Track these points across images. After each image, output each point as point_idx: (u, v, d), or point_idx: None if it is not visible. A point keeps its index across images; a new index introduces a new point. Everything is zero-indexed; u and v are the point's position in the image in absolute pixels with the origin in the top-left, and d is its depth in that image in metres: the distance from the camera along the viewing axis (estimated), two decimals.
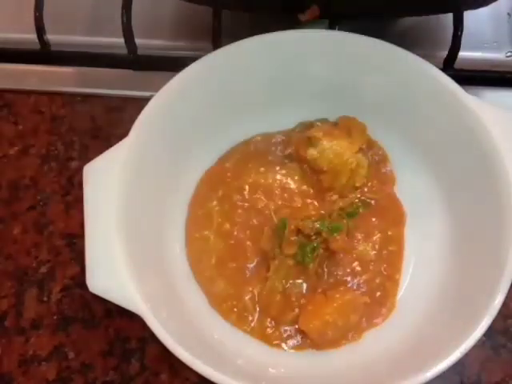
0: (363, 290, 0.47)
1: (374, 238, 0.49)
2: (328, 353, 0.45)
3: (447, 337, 0.41)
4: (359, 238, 0.48)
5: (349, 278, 0.47)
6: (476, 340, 0.39)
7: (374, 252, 0.48)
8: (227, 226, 0.49)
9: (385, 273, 0.48)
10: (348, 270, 0.47)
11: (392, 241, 0.49)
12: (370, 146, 0.51)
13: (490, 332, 0.40)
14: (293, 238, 0.46)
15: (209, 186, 0.50)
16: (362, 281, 0.47)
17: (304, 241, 0.46)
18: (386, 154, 0.51)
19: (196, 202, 0.50)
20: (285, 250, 0.46)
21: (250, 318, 0.46)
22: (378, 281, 0.47)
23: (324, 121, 0.50)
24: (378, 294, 0.47)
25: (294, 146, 0.50)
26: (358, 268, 0.48)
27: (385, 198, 0.50)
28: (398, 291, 0.47)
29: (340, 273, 0.47)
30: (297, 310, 0.46)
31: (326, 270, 0.47)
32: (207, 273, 0.48)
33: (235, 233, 0.49)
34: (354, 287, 0.47)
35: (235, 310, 0.46)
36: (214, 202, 0.50)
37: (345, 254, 0.47)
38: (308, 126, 0.50)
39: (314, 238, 0.46)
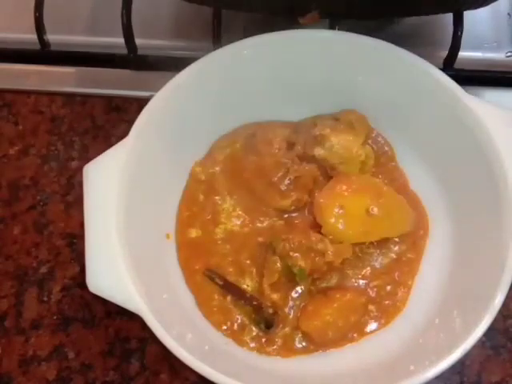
0: (372, 295, 0.46)
1: (391, 245, 0.48)
2: (329, 353, 0.45)
3: (447, 337, 0.41)
4: (375, 245, 0.47)
5: (358, 283, 0.47)
6: (476, 340, 0.39)
7: (389, 260, 0.47)
8: (216, 229, 0.48)
9: (397, 279, 0.47)
10: (359, 276, 0.47)
11: (412, 248, 0.48)
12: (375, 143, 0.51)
13: (490, 332, 0.40)
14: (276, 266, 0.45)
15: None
16: (371, 285, 0.47)
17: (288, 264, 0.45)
18: (393, 148, 0.51)
19: (184, 203, 0.49)
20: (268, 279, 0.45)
21: (247, 337, 0.45)
22: (389, 288, 0.47)
23: (323, 116, 0.50)
24: (387, 301, 0.46)
25: (300, 147, 0.49)
26: (369, 274, 0.47)
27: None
28: (410, 297, 0.46)
29: (348, 279, 0.47)
30: (294, 318, 0.46)
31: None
32: (198, 280, 0.47)
33: (225, 236, 0.48)
34: (363, 289, 0.47)
35: (229, 324, 0.45)
36: (202, 205, 0.49)
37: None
38: (311, 125, 0.50)
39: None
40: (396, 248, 0.47)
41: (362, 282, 0.47)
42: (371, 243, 0.47)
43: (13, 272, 0.50)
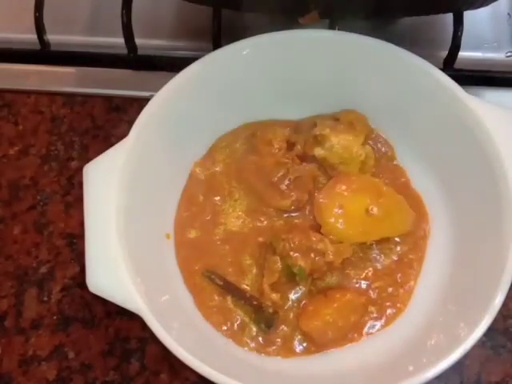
0: (373, 296, 0.46)
1: (392, 246, 0.48)
2: (329, 353, 0.45)
3: (447, 337, 0.41)
4: (377, 245, 0.47)
5: (360, 284, 0.47)
6: (476, 340, 0.39)
7: (391, 261, 0.47)
8: (216, 229, 0.48)
9: (399, 280, 0.47)
10: (361, 277, 0.47)
11: (414, 249, 0.47)
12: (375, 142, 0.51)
13: (490, 332, 0.40)
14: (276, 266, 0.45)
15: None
16: (373, 286, 0.47)
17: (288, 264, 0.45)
18: (393, 148, 0.51)
19: (184, 203, 0.49)
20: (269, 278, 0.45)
21: (247, 338, 0.45)
22: (390, 290, 0.46)
23: (323, 116, 0.50)
24: (388, 303, 0.46)
25: (300, 147, 0.49)
26: (371, 275, 0.47)
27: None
28: (411, 298, 0.46)
29: (350, 280, 0.47)
30: (294, 318, 0.46)
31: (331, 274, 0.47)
32: (197, 281, 0.47)
33: (224, 237, 0.48)
34: (364, 290, 0.46)
35: (229, 324, 0.45)
36: (201, 205, 0.49)
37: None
38: (311, 125, 0.50)
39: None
40: (398, 249, 0.47)
41: (363, 282, 0.47)
42: (372, 243, 0.47)
43: (13, 272, 0.50)
